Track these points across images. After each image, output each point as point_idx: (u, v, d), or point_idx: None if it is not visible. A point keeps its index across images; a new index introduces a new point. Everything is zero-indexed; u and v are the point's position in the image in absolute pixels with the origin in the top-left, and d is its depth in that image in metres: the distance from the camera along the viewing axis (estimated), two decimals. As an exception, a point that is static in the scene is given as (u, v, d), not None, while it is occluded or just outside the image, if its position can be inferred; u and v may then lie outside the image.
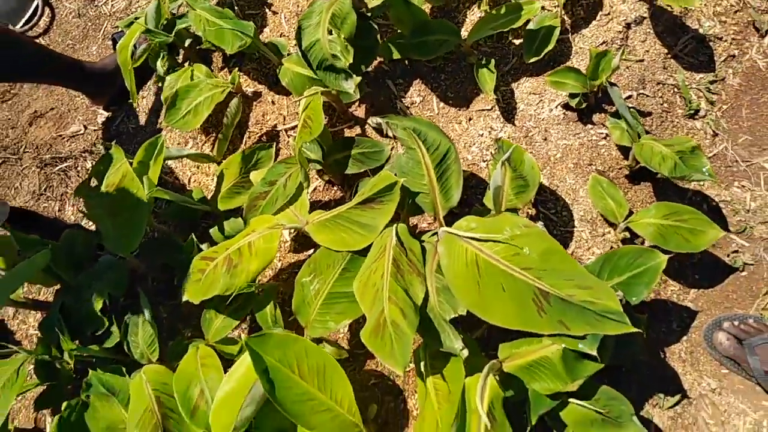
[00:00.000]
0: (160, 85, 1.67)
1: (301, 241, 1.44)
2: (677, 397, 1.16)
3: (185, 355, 1.23)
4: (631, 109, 1.24)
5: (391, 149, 1.35)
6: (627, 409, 1.01)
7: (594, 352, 0.90)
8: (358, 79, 1.22)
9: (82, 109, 1.86)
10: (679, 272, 1.23)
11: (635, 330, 0.85)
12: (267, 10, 1.69)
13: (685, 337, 1.20)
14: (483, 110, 1.41)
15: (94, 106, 1.83)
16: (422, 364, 1.04)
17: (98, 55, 1.91)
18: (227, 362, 1.17)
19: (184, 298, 1.18)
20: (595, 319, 0.86)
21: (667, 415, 1.16)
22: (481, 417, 0.84)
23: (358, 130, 1.47)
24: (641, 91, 1.33)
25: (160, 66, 1.52)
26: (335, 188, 1.44)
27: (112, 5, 1.97)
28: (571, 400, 1.02)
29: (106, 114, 1.81)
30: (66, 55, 1.68)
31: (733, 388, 1.16)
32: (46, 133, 1.87)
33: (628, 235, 1.23)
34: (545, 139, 1.35)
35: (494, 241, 0.95)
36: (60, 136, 1.85)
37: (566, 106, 1.35)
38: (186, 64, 1.63)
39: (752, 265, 1.21)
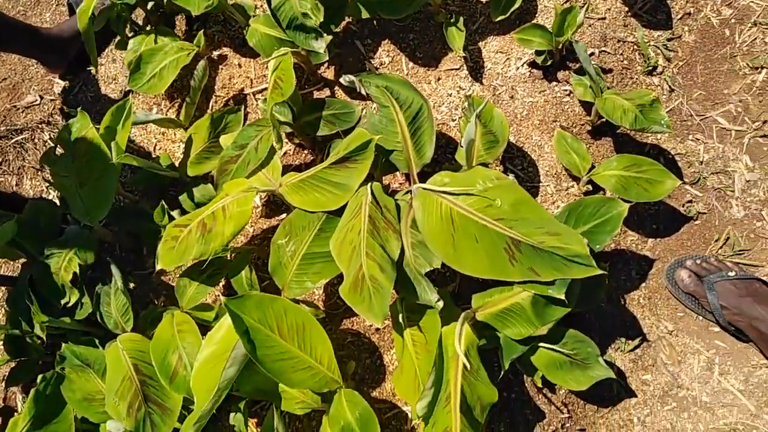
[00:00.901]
0: (120, 52, 1.63)
1: (272, 206, 1.44)
2: (637, 341, 1.23)
3: (160, 322, 1.23)
4: (594, 66, 1.28)
5: (362, 110, 1.36)
6: (593, 351, 1.07)
7: (562, 296, 0.95)
8: (329, 38, 1.22)
9: (37, 78, 1.79)
10: (638, 223, 1.29)
11: (601, 272, 0.90)
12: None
13: (643, 284, 1.27)
14: (451, 70, 1.43)
15: (49, 75, 1.77)
16: (400, 316, 1.08)
17: (52, 22, 1.83)
18: (204, 329, 1.17)
19: (158, 266, 1.18)
20: (564, 264, 0.91)
21: (629, 358, 1.23)
22: (460, 358, 0.88)
23: (327, 92, 1.47)
24: (603, 49, 1.37)
25: (123, 30, 1.47)
26: (306, 152, 1.44)
27: (62, -31, 1.89)
28: (540, 344, 1.08)
29: (62, 83, 1.75)
30: (20, 20, 1.61)
31: (689, 330, 1.23)
32: (-1, 104, 1.80)
33: (590, 188, 1.28)
34: (512, 97, 1.38)
35: (468, 194, 0.98)
36: (14, 107, 1.78)
37: (532, 64, 1.39)
38: (148, 28, 1.58)
39: (705, 213, 1.28)
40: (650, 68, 1.35)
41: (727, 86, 1.33)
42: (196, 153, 1.38)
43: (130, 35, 1.55)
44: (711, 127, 1.32)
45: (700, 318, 1.23)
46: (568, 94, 1.36)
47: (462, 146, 1.06)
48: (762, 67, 1.31)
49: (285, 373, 0.99)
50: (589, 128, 1.33)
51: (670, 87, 1.35)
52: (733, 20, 1.35)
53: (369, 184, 1.10)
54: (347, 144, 1.09)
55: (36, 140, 1.73)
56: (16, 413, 1.48)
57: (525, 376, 1.23)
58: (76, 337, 1.33)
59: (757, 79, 1.31)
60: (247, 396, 1.19)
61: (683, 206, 1.29)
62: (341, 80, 1.27)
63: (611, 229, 1.08)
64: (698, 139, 1.31)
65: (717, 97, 1.33)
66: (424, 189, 1.02)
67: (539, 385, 1.21)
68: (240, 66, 1.56)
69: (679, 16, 1.38)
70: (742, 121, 1.30)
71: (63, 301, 1.30)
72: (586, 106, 1.34)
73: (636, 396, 1.21)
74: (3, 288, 1.61)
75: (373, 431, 1.03)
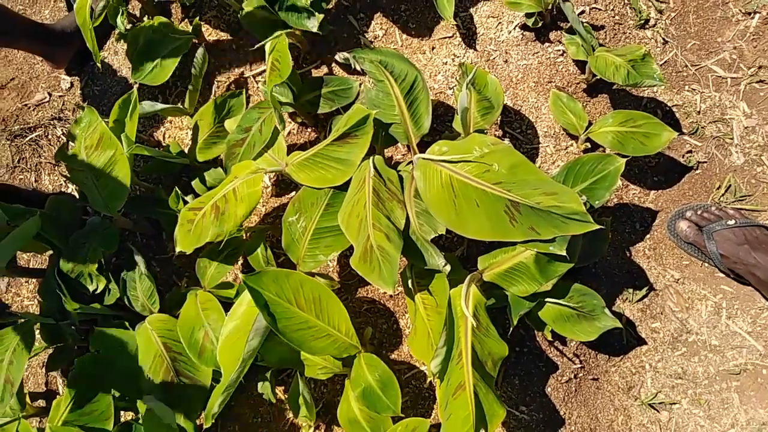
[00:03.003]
0: (121, 43, 1.66)
1: (282, 185, 1.48)
2: (644, 291, 1.26)
3: (185, 302, 1.29)
4: (585, 24, 1.29)
5: (360, 85, 1.39)
6: (599, 303, 1.11)
7: (563, 253, 0.97)
8: (321, 16, 1.24)
9: (43, 76, 1.83)
10: (639, 176, 1.32)
11: (598, 227, 0.93)
12: (219, -44, 1.66)
13: (648, 235, 1.30)
14: (445, 38, 1.44)
15: (55, 72, 1.81)
16: (410, 282, 1.12)
17: (51, 18, 1.86)
18: (226, 305, 1.22)
19: (177, 249, 1.23)
20: (562, 222, 0.94)
21: (637, 308, 1.27)
22: (468, 319, 0.93)
23: (325, 69, 1.49)
24: (593, 6, 1.38)
25: (120, 23, 1.50)
26: (309, 130, 1.48)
27: (57, -35, 1.91)
28: (547, 300, 1.11)
29: (69, 79, 1.79)
30: (24, 15, 1.64)
31: (695, 277, 1.27)
32: (10, 104, 1.85)
33: (589, 145, 1.30)
34: (506, 61, 1.39)
35: (465, 161, 1.01)
36: (25, 105, 1.83)
37: (524, 27, 1.39)
38: (145, 18, 1.61)
39: (705, 162, 1.30)
40: (642, 22, 1.35)
41: (721, 34, 1.33)
42: (204, 139, 1.42)
43: (128, 27, 1.58)
44: (707, 77, 1.32)
45: (705, 265, 1.26)
46: (562, 54, 1.37)
47: (458, 114, 1.08)
48: (755, 12, 1.31)
49: (306, 341, 1.04)
50: (585, 86, 1.34)
51: (663, 39, 1.35)
52: (724, -34, 1.35)
53: (371, 157, 1.13)
54: (346, 120, 1.12)
55: (50, 136, 1.78)
56: (58, 395, 1.57)
57: (535, 331, 1.28)
58: (107, 321, 1.40)
59: (751, 25, 1.31)
60: (273, 365, 1.25)
61: (683, 157, 1.31)
62: (336, 57, 1.29)
63: (609, 185, 1.10)
64: (694, 89, 1.32)
65: (711, 45, 1.33)
66: (424, 159, 1.05)
67: (549, 338, 1.26)
68: (237, 50, 1.58)
69: (670, -34, 1.38)
70: (737, 68, 1.31)
71: (91, 289, 1.37)
72: (580, 64, 1.35)
73: (646, 343, 1.25)
74: (34, 280, 1.69)
75: (393, 390, 1.09)
